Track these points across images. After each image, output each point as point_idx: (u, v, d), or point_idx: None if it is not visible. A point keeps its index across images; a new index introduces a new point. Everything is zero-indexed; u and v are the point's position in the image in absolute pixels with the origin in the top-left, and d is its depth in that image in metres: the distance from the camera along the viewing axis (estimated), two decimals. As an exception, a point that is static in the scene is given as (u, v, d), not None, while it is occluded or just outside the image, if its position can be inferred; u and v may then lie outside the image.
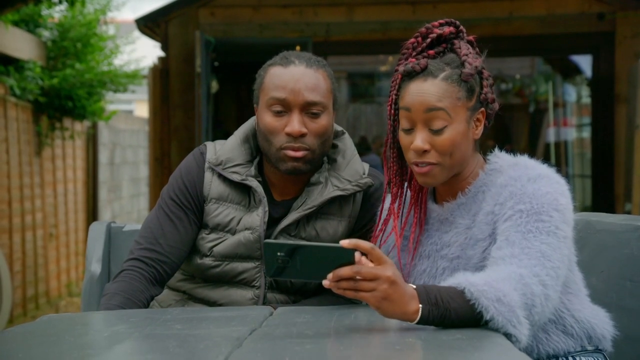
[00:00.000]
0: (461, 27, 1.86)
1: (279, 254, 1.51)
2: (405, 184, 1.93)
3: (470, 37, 1.87)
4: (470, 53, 1.82)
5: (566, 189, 1.78)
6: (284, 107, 2.06)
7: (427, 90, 1.77)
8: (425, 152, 1.78)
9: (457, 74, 1.78)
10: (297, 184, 2.15)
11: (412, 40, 1.85)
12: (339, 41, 7.37)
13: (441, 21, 1.86)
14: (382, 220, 1.97)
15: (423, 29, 1.85)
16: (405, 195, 1.94)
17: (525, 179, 1.75)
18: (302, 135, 2.05)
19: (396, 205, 1.92)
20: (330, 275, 1.49)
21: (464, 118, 1.79)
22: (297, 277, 1.54)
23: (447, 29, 1.83)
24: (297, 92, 2.05)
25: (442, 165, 1.79)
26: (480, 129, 1.84)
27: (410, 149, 1.80)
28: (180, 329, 1.60)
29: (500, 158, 1.86)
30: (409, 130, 1.80)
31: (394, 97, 1.84)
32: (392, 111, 1.86)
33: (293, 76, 2.06)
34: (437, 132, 1.77)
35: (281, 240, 1.54)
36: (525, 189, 1.73)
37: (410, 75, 1.80)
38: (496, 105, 1.86)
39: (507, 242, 1.68)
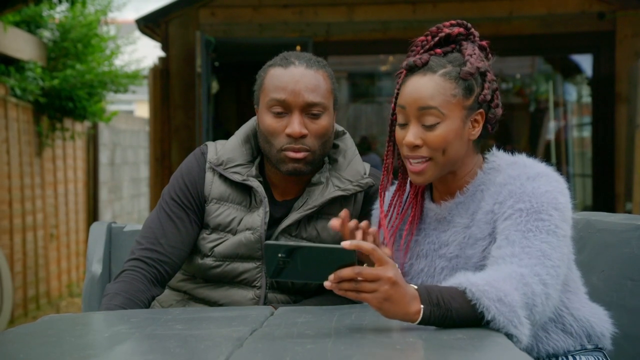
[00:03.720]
0: (472, 29, 1.86)
1: (279, 255, 1.50)
2: (407, 181, 1.94)
3: (483, 43, 1.87)
4: (474, 54, 1.82)
5: (565, 188, 1.78)
6: (284, 109, 2.06)
7: (421, 87, 1.77)
8: (417, 147, 1.79)
9: (457, 71, 1.79)
10: (298, 184, 2.15)
11: (422, 38, 1.86)
12: (340, 41, 7.37)
13: (452, 22, 1.87)
14: (378, 219, 1.97)
15: (434, 28, 1.85)
16: (405, 193, 1.94)
17: (525, 177, 1.75)
18: (303, 136, 2.05)
19: (395, 201, 1.93)
20: (331, 277, 1.49)
21: (459, 116, 1.79)
22: (298, 278, 1.54)
23: (456, 30, 1.84)
24: (297, 93, 2.04)
25: (435, 160, 1.79)
26: (478, 130, 1.83)
27: (402, 143, 1.81)
28: (181, 329, 1.60)
29: (498, 157, 1.86)
30: (404, 125, 1.81)
31: (396, 92, 1.85)
32: (393, 106, 1.86)
33: (293, 77, 2.06)
34: (429, 127, 1.78)
35: (282, 242, 1.54)
36: (525, 187, 1.73)
37: (412, 70, 1.81)
38: (499, 111, 1.85)
39: (507, 241, 1.68)
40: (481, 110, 1.82)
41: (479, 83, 1.82)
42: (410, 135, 1.79)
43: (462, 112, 1.79)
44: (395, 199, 1.93)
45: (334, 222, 1.77)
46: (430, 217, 1.90)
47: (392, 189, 1.96)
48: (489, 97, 1.82)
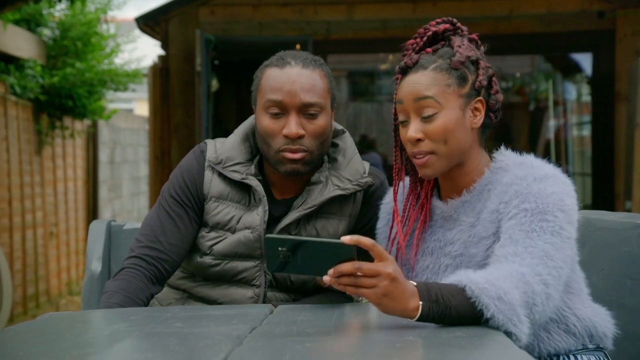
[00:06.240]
0: (458, 24, 1.89)
1: (280, 249, 1.51)
2: (408, 180, 1.95)
3: (473, 35, 1.89)
4: (463, 45, 1.84)
5: (572, 190, 1.78)
6: (281, 109, 2.05)
7: (416, 81, 1.81)
8: (419, 141, 1.80)
9: (447, 63, 1.81)
10: (297, 183, 2.15)
11: (412, 41, 1.89)
12: (339, 39, 7.37)
13: (438, 20, 1.90)
14: (390, 217, 1.98)
15: (421, 29, 1.90)
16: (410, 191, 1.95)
17: (531, 178, 1.76)
18: (300, 137, 2.04)
19: (402, 202, 1.93)
20: (330, 271, 1.49)
21: (457, 105, 1.80)
22: (298, 273, 1.54)
23: (442, 26, 1.88)
24: (293, 93, 2.04)
25: (438, 153, 1.80)
26: (480, 119, 1.84)
27: (406, 140, 1.82)
28: (181, 327, 1.60)
29: (506, 157, 1.87)
30: (405, 123, 1.83)
31: (395, 95, 1.87)
32: (395, 111, 1.88)
33: (289, 77, 2.05)
34: (428, 119, 1.79)
35: (282, 235, 1.54)
36: (531, 188, 1.74)
37: (405, 71, 1.84)
38: (500, 97, 1.87)
39: (511, 241, 1.68)
40: (480, 97, 1.83)
41: (472, 71, 1.83)
42: (412, 130, 1.80)
43: (458, 100, 1.80)
44: (410, 199, 1.94)
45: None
46: (437, 215, 1.91)
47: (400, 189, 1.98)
48: (485, 83, 1.83)
